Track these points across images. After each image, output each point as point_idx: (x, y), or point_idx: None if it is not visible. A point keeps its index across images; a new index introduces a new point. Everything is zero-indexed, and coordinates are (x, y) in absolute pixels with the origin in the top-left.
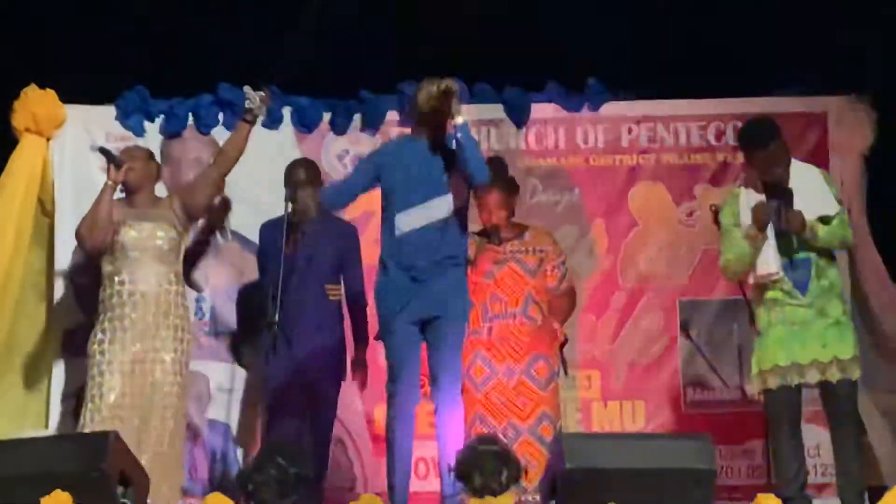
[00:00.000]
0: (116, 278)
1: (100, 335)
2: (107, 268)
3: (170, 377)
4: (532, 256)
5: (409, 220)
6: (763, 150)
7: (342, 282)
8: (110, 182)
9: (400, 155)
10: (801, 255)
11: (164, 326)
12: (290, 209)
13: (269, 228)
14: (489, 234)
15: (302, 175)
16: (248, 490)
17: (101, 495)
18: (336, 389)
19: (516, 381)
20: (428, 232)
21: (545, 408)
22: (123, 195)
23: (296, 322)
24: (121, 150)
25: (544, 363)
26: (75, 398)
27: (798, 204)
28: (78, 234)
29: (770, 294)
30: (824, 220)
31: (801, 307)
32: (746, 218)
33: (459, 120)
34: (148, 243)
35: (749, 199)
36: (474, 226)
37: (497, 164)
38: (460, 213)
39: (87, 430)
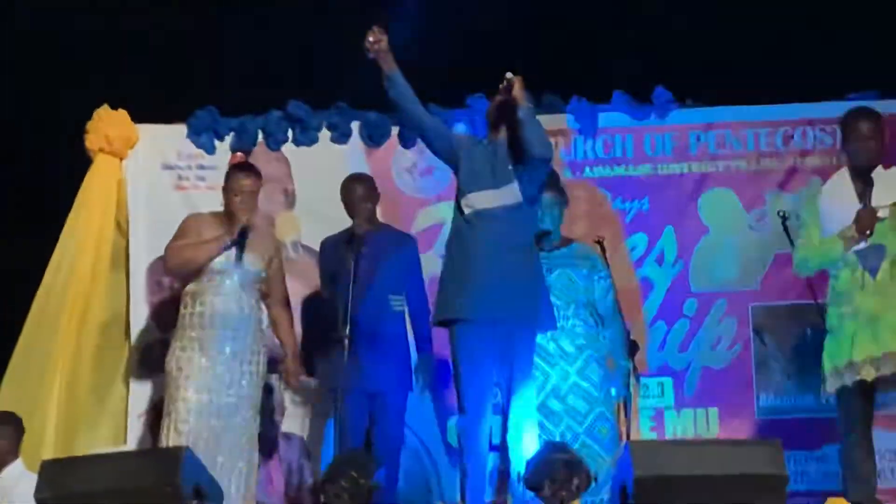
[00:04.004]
0: (199, 299)
1: (178, 352)
2: (191, 287)
3: (247, 400)
4: (584, 263)
5: (481, 200)
6: (854, 126)
7: (405, 292)
8: (228, 241)
9: (474, 145)
10: (876, 241)
11: (243, 349)
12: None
13: (329, 244)
14: (540, 241)
15: (359, 191)
16: (321, 501)
17: None
18: (404, 399)
19: (571, 385)
20: (498, 214)
21: (601, 409)
22: (221, 210)
23: (362, 334)
24: (239, 177)
25: (598, 365)
26: (152, 413)
27: (880, 191)
28: (171, 263)
29: (841, 284)
30: None
31: (871, 296)
32: (831, 213)
33: (522, 103)
34: (237, 270)
35: (834, 190)
36: None
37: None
38: (531, 204)
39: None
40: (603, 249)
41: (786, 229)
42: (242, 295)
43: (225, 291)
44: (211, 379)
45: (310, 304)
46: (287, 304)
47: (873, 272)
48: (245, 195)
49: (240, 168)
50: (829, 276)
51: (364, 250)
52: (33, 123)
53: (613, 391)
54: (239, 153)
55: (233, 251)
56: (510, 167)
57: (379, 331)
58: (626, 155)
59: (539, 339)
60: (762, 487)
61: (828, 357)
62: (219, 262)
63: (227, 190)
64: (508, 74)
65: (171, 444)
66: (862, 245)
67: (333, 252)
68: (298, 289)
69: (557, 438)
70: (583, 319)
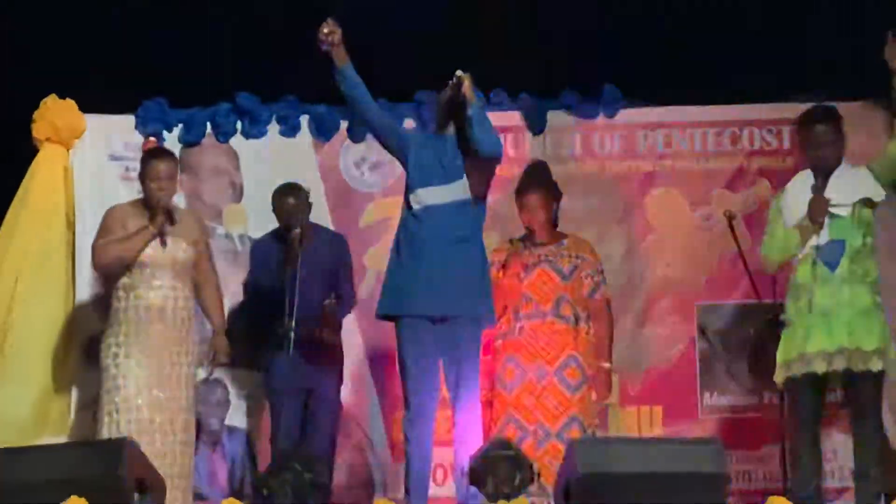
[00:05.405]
0: (133, 292)
1: (114, 348)
2: (123, 280)
3: (185, 391)
4: (567, 260)
5: (429, 196)
6: (812, 130)
7: (335, 289)
8: (154, 230)
9: (423, 140)
10: (836, 237)
11: (178, 341)
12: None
13: (260, 246)
14: (524, 238)
15: (291, 202)
16: (263, 495)
17: (118, 501)
18: (336, 393)
19: (546, 383)
20: (447, 209)
21: (574, 411)
22: (140, 197)
23: (297, 333)
24: (154, 163)
25: (576, 366)
26: (95, 405)
27: (841, 188)
28: (100, 262)
29: (800, 277)
30: (868, 203)
31: (828, 291)
32: (791, 208)
33: (472, 100)
34: (166, 259)
35: (795, 188)
36: (514, 232)
37: (539, 168)
38: (479, 201)
39: None
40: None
41: (731, 229)
42: (177, 285)
43: (159, 284)
44: (148, 374)
45: (254, 297)
46: (216, 284)
47: (832, 267)
48: (162, 180)
49: (153, 154)
50: (790, 270)
51: (297, 253)
52: None
53: (594, 394)
54: (151, 138)
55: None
56: (459, 162)
57: (311, 328)
58: (574, 153)
59: (518, 334)
60: (704, 486)
61: (782, 349)
62: (150, 253)
63: (144, 177)
64: (458, 72)
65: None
66: (822, 240)
67: (265, 255)
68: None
69: (529, 436)
70: (561, 316)
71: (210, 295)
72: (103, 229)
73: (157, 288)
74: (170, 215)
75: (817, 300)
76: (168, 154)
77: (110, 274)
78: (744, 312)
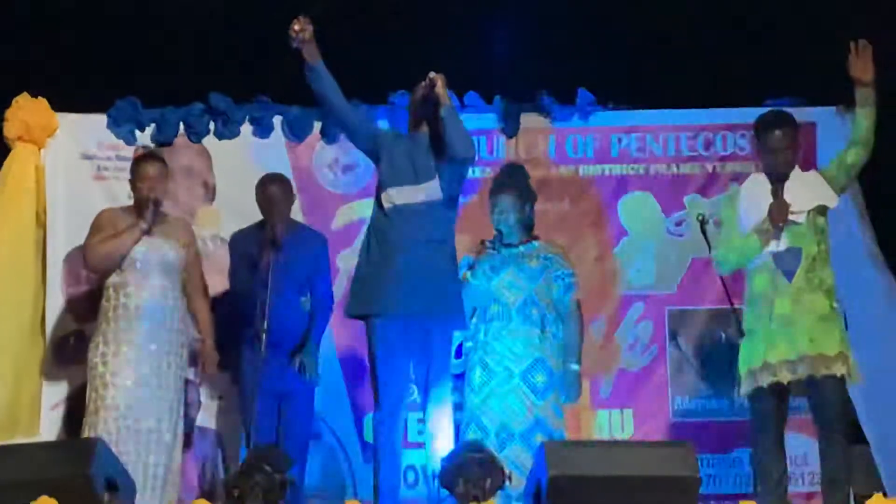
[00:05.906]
0: (122, 291)
1: (102, 347)
2: (113, 279)
3: (173, 391)
4: (535, 262)
5: (401, 195)
6: (768, 135)
7: (310, 289)
8: (144, 226)
9: (396, 139)
10: (793, 245)
11: (167, 340)
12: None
13: (240, 239)
14: (494, 240)
15: (276, 192)
16: (234, 496)
17: (87, 501)
18: (311, 395)
19: (513, 386)
20: (418, 209)
21: (540, 415)
22: (131, 201)
23: (272, 333)
24: (144, 166)
25: (544, 370)
26: (66, 404)
27: (796, 195)
28: (91, 260)
29: (757, 286)
30: (822, 209)
31: (787, 299)
32: (748, 213)
33: (445, 101)
34: (156, 258)
35: (751, 191)
36: (486, 234)
37: (515, 171)
38: (451, 202)
39: None
40: None
41: (704, 233)
42: (167, 284)
43: (149, 283)
44: (137, 374)
45: (227, 298)
46: (205, 290)
47: (789, 276)
48: (152, 180)
49: (143, 157)
50: (746, 278)
51: (276, 250)
52: None
53: (563, 398)
54: (141, 147)
55: (154, 239)
56: (431, 163)
57: (289, 330)
58: (548, 156)
59: (485, 335)
60: (675, 489)
61: (743, 359)
62: (140, 251)
63: (134, 180)
64: (431, 74)
65: None
66: (780, 248)
67: (244, 248)
68: (217, 282)
69: (492, 438)
70: (527, 317)
71: (199, 302)
72: (95, 229)
73: (147, 287)
74: (158, 207)
75: (776, 309)
76: (157, 158)
77: (101, 272)
78: (715, 317)
